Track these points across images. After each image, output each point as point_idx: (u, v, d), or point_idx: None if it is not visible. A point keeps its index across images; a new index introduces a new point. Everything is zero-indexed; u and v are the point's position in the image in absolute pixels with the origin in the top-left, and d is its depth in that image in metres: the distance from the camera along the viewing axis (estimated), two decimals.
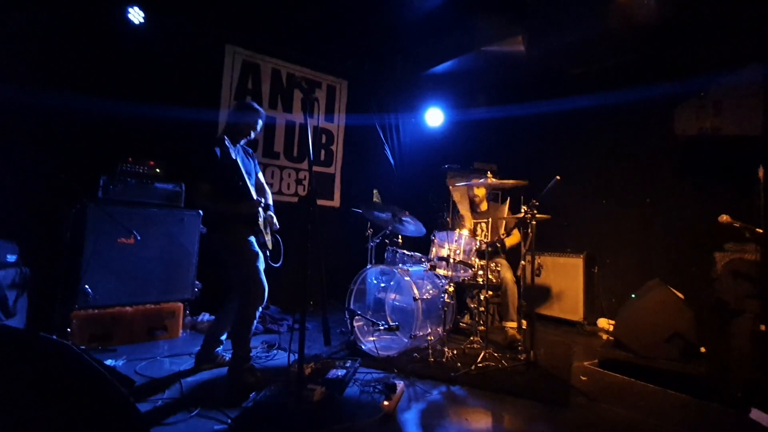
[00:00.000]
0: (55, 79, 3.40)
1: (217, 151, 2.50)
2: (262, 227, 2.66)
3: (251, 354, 2.60)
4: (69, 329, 2.91)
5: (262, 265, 2.61)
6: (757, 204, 2.50)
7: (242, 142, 2.75)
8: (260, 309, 2.56)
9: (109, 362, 2.67)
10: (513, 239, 3.94)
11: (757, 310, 2.47)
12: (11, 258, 2.84)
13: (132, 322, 3.22)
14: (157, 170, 3.52)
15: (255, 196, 2.62)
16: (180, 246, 3.48)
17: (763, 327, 2.39)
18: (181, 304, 3.49)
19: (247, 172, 2.62)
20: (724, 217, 2.66)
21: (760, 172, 2.50)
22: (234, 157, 2.44)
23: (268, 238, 2.74)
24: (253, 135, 2.76)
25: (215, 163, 2.49)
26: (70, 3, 3.49)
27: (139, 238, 3.18)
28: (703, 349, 2.97)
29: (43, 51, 3.38)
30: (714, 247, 3.11)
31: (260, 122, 2.75)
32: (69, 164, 3.40)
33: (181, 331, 3.47)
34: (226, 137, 2.43)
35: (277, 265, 2.77)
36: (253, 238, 2.62)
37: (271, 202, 2.90)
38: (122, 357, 2.84)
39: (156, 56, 3.91)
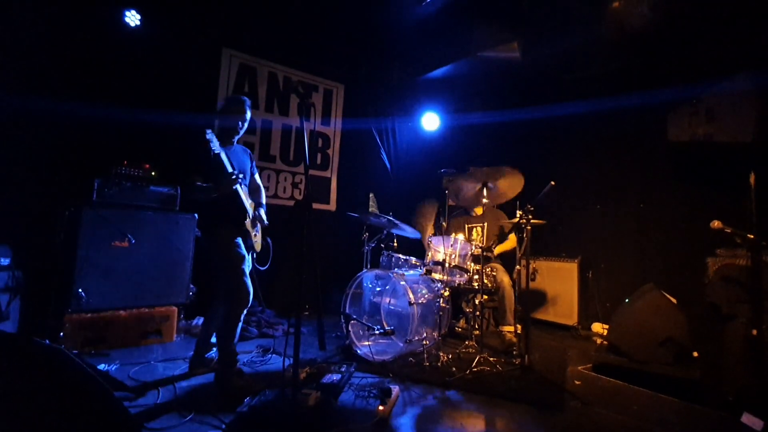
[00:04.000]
0: (50, 81, 3.39)
1: (212, 147, 2.44)
2: (249, 227, 2.64)
3: (246, 358, 2.60)
4: (62, 333, 2.89)
5: (248, 268, 2.60)
6: (748, 210, 2.53)
7: (236, 138, 2.75)
8: (245, 312, 2.54)
9: (102, 367, 2.65)
10: (504, 246, 3.96)
11: (749, 314, 2.50)
12: (4, 261, 2.82)
13: (126, 326, 3.20)
14: (153, 173, 3.51)
15: (246, 197, 2.63)
16: (175, 249, 3.47)
17: (754, 332, 2.41)
18: (175, 308, 3.47)
19: (241, 171, 2.63)
20: (716, 223, 2.69)
21: (752, 179, 2.54)
22: (218, 152, 2.43)
23: (257, 239, 2.74)
24: (244, 126, 2.73)
25: (207, 158, 2.45)
26: (66, 5, 3.48)
27: (133, 241, 3.17)
28: (695, 354, 2.99)
29: (38, 53, 3.36)
30: (706, 252, 3.14)
31: (248, 113, 2.72)
32: (63, 167, 3.39)
33: (175, 335, 3.45)
34: (212, 135, 2.40)
35: (264, 267, 2.76)
36: (240, 240, 2.60)
37: (263, 201, 2.90)
38: (116, 361, 2.82)
39: (152, 59, 3.91)
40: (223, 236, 2.55)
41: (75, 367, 1.39)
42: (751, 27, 3.43)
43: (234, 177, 2.48)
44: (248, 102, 2.73)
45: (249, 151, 2.91)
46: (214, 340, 2.76)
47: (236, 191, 2.54)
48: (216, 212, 2.56)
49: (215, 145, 2.40)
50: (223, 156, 2.47)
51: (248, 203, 2.67)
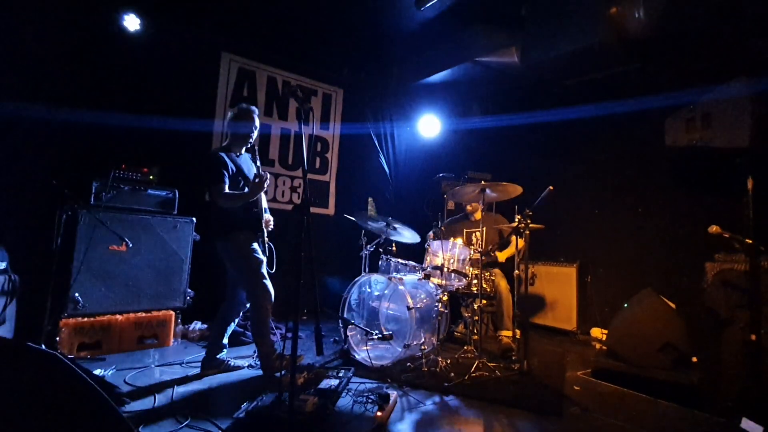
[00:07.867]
0: (49, 84, 3.38)
1: (224, 156, 2.70)
2: (264, 227, 2.80)
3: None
4: (58, 338, 2.87)
5: (266, 270, 2.76)
6: (745, 215, 2.54)
7: (246, 146, 2.88)
8: (270, 309, 2.73)
9: (98, 371, 2.63)
10: (509, 251, 3.95)
11: (747, 319, 2.49)
12: (0, 265, 2.80)
13: (122, 330, 3.18)
14: (151, 177, 3.51)
15: (265, 204, 2.84)
16: (172, 253, 3.46)
17: (753, 336, 2.41)
18: (172, 313, 3.45)
19: (249, 177, 2.79)
20: (714, 228, 2.69)
21: (749, 184, 2.55)
22: (233, 164, 2.70)
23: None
24: (254, 135, 2.87)
25: (225, 167, 2.66)
26: (65, 8, 3.48)
27: (131, 245, 3.15)
28: (694, 359, 2.98)
29: (36, 56, 3.35)
30: (704, 257, 3.13)
31: (257, 121, 2.86)
32: (61, 170, 3.37)
33: (172, 339, 3.44)
34: (224, 147, 2.66)
35: (271, 272, 2.83)
36: (256, 245, 2.74)
37: (266, 206, 2.93)
38: (112, 366, 2.80)
39: (151, 63, 3.91)
40: (242, 241, 2.69)
41: (69, 372, 1.38)
42: (747, 33, 3.45)
43: (263, 177, 2.66)
44: (256, 111, 2.88)
45: (258, 158, 2.95)
46: (225, 341, 2.86)
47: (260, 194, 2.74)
48: (234, 218, 2.68)
49: (234, 158, 2.72)
50: (246, 173, 2.77)
51: (265, 210, 2.84)
